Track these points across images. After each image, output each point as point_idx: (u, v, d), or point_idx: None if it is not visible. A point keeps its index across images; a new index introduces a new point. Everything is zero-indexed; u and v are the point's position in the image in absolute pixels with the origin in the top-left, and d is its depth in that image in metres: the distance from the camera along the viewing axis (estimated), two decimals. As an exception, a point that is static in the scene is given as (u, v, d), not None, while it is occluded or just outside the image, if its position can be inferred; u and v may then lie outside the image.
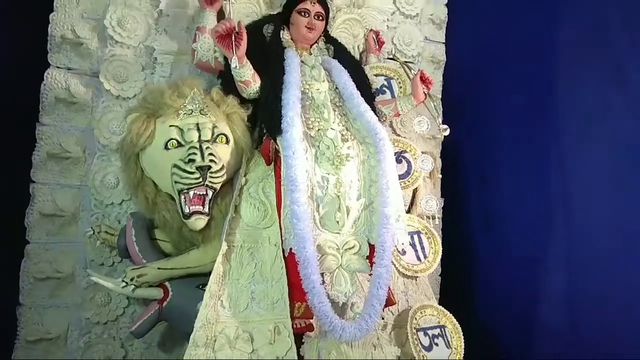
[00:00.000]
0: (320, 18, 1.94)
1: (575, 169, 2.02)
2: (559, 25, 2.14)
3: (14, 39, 1.95)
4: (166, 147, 1.63)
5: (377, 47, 2.28)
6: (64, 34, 1.90)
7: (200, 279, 1.70)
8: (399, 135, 2.28)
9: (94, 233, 1.84)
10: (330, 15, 2.05)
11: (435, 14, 2.54)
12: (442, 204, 2.32)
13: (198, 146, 1.62)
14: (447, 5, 2.55)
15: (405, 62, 2.14)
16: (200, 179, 1.59)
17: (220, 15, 1.92)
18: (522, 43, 2.32)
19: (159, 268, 1.68)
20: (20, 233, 1.86)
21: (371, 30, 2.29)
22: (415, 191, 2.21)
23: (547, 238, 2.10)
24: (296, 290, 1.61)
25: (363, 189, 1.77)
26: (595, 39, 1.98)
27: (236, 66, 1.68)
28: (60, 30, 1.91)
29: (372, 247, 1.71)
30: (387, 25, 2.42)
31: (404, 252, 2.04)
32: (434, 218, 2.20)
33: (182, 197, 1.61)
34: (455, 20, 2.59)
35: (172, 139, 1.63)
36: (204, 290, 1.59)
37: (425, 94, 1.95)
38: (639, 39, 1.83)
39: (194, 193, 1.60)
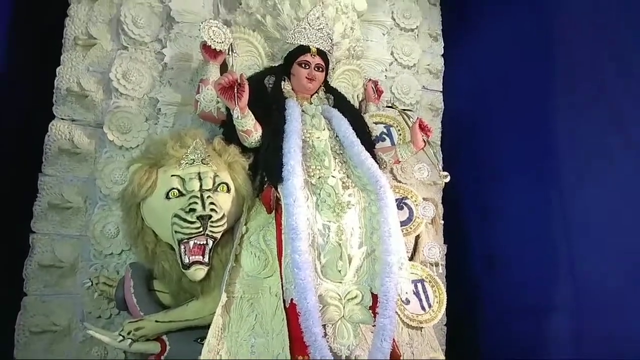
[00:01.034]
0: (320, 69, 1.99)
1: (578, 210, 2.01)
2: (555, 72, 2.18)
3: (20, 92, 2.00)
4: (167, 197, 1.63)
5: (376, 96, 2.33)
6: (70, 87, 1.95)
7: (198, 332, 1.65)
8: (399, 182, 2.28)
9: (92, 284, 1.81)
10: (330, 66, 2.11)
11: (432, 64, 2.62)
12: (445, 250, 2.30)
13: (199, 195, 1.62)
14: (443, 55, 2.63)
15: (404, 110, 2.18)
16: (201, 229, 1.58)
17: (223, 68, 1.97)
18: (519, 89, 2.36)
19: (156, 321, 1.64)
20: (17, 285, 1.83)
21: (370, 79, 2.35)
22: (417, 238, 2.19)
23: (552, 282, 2.06)
24: (297, 343, 1.55)
25: (365, 237, 1.76)
26: (592, 84, 2.02)
27: (238, 116, 1.71)
28: (66, 83, 1.95)
29: (375, 297, 1.67)
30: (385, 75, 2.49)
31: (407, 302, 2.00)
32: (437, 265, 2.17)
33: (182, 247, 1.59)
34: (451, 69, 2.67)
35: (173, 188, 1.63)
36: (203, 344, 1.55)
37: (424, 141, 1.97)
38: (633, 84, 1.87)
39: (194, 243, 1.59)
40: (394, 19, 2.56)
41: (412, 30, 2.60)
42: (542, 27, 2.26)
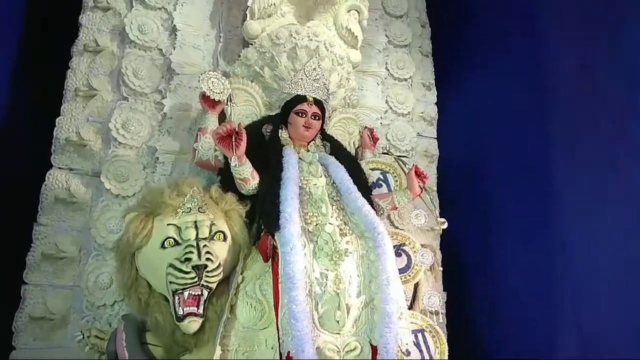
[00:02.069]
0: (317, 118, 2.03)
1: (580, 257, 1.99)
2: (550, 119, 2.22)
3: (19, 142, 2.01)
4: (163, 246, 1.61)
5: (372, 142, 2.36)
6: (69, 137, 1.96)
7: (192, 387, 1.59)
8: (397, 228, 2.28)
9: (83, 337, 1.75)
10: (327, 114, 2.15)
11: (425, 111, 2.68)
12: (445, 298, 2.25)
13: (195, 244, 1.60)
14: (436, 103, 2.69)
15: (399, 156, 2.20)
16: (196, 279, 1.55)
17: (222, 117, 2.00)
18: (514, 135, 2.40)
19: (148, 376, 1.58)
20: (5, 339, 1.77)
21: (366, 127, 2.39)
22: (416, 286, 2.16)
23: (555, 330, 2.02)
24: (295, 399, 1.50)
25: (363, 286, 1.73)
26: (587, 131, 2.05)
27: (236, 165, 1.72)
28: (65, 132, 1.97)
29: (374, 349, 1.62)
30: (380, 123, 2.54)
31: (408, 353, 1.92)
32: (437, 314, 2.12)
33: (177, 297, 1.55)
34: (446, 116, 2.72)
35: (169, 237, 1.61)
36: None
37: (420, 187, 1.98)
38: (628, 131, 1.91)
39: (189, 294, 1.55)
40: (388, 70, 2.65)
41: (406, 80, 2.68)
42: (535, 75, 2.33)
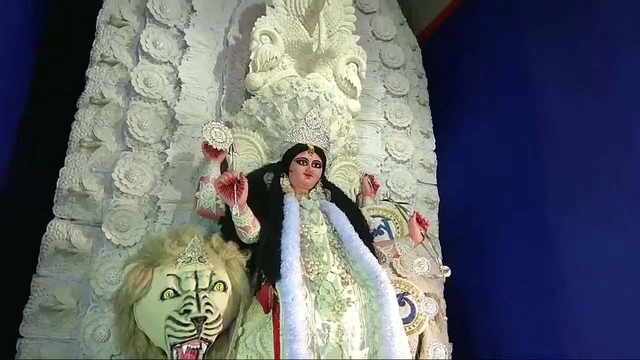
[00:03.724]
0: (318, 166, 2.05)
1: (580, 303, 1.97)
2: (547, 164, 2.25)
3: (21, 193, 2.02)
4: (162, 298, 1.58)
5: (373, 189, 2.37)
6: (72, 187, 1.97)
7: None
8: (399, 276, 2.25)
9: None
10: (327, 162, 2.17)
11: (425, 159, 2.71)
12: (451, 349, 2.19)
13: (195, 295, 1.57)
14: (435, 151, 2.73)
15: (400, 203, 2.21)
16: (195, 332, 1.51)
17: (223, 166, 2.02)
18: (513, 180, 2.42)
19: None
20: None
21: (366, 174, 2.41)
22: (421, 337, 2.10)
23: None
24: None
25: (366, 337, 1.69)
26: (582, 176, 2.07)
27: (237, 213, 1.72)
28: (68, 183, 1.98)
29: (379, 404, 1.56)
30: (380, 170, 2.56)
31: (415, 408, 1.87)
32: (443, 366, 2.06)
33: (175, 351, 1.51)
34: (445, 163, 2.76)
35: (168, 288, 1.59)
36: None
37: (422, 234, 1.97)
38: (624, 174, 1.92)
39: (188, 347, 1.51)
40: (387, 118, 2.71)
41: (404, 128, 2.73)
42: (530, 121, 2.37)
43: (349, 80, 2.36)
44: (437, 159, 2.74)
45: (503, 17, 2.66)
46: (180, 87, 2.23)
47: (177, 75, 2.25)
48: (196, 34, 2.35)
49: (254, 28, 2.26)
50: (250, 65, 2.23)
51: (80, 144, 2.04)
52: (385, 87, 2.79)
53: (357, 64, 2.43)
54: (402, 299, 2.07)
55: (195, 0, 2.40)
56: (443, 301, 2.27)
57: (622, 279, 1.82)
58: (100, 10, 2.25)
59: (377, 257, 1.87)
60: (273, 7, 2.32)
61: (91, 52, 2.18)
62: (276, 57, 2.23)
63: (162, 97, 2.20)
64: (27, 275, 1.87)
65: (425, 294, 2.15)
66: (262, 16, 2.29)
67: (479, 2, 2.88)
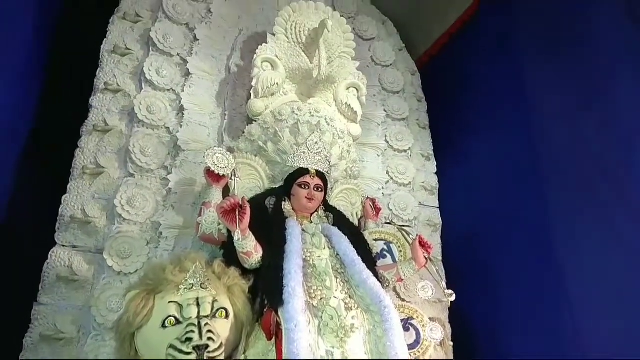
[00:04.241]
0: (319, 189, 2.05)
1: (589, 327, 1.94)
2: (549, 184, 2.25)
3: (23, 220, 2.02)
4: (163, 326, 1.56)
5: (375, 213, 2.37)
6: (74, 214, 1.97)
7: None
8: (403, 300, 2.22)
9: None
10: (329, 186, 2.18)
11: (426, 181, 2.72)
12: (458, 376, 2.15)
13: (196, 323, 1.56)
14: (436, 173, 2.74)
15: (402, 226, 2.20)
16: (197, 360, 1.49)
17: (225, 191, 2.03)
18: (515, 202, 2.41)
19: None
20: None
21: (368, 197, 2.41)
22: (427, 363, 2.06)
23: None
24: None
25: (371, 364, 1.66)
26: (586, 195, 2.07)
27: (239, 238, 1.71)
28: (70, 210, 1.98)
29: None
30: (382, 193, 2.57)
31: None
32: (451, 393, 2.01)
33: (177, 380, 1.49)
34: (446, 185, 2.76)
35: (170, 316, 1.57)
36: None
37: (426, 258, 1.96)
38: (626, 195, 1.92)
39: (190, 376, 1.49)
40: (387, 142, 2.73)
41: (405, 151, 2.75)
42: (530, 143, 2.38)
43: (350, 104, 2.38)
44: (438, 181, 2.75)
45: (500, 40, 2.70)
46: (183, 114, 2.26)
47: (179, 102, 2.28)
48: (199, 62, 2.39)
49: (255, 55, 2.30)
50: (251, 92, 2.27)
51: (83, 171, 2.06)
52: (385, 111, 2.82)
53: (357, 89, 2.46)
54: (406, 324, 2.04)
55: (198, 30, 2.46)
56: (448, 326, 2.24)
57: (627, 295, 1.79)
58: (105, 39, 2.30)
59: (380, 282, 1.85)
60: (274, 35, 2.37)
61: (95, 81, 2.22)
62: (277, 83, 2.27)
63: (165, 123, 2.22)
64: (28, 304, 1.86)
65: (430, 318, 2.12)
66: (264, 44, 2.34)
67: (475, 27, 2.93)
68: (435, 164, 2.80)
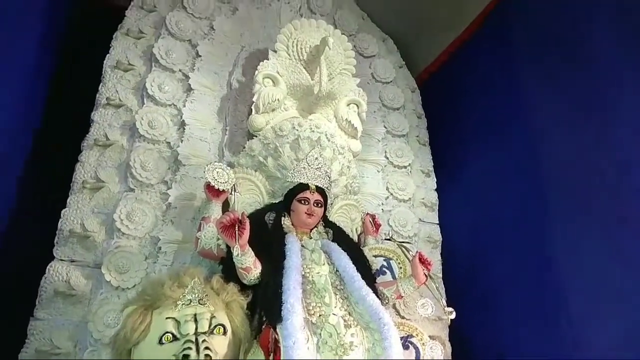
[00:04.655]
0: (319, 205, 2.05)
1: (590, 342, 1.92)
2: (549, 201, 2.24)
3: (21, 234, 2.01)
4: (160, 342, 1.54)
5: (374, 229, 2.36)
6: (73, 228, 1.97)
7: None
8: (403, 318, 2.20)
9: None
10: (329, 202, 2.18)
11: (426, 197, 2.72)
12: (459, 396, 2.12)
13: (194, 339, 1.54)
14: (436, 190, 2.74)
15: (402, 242, 2.19)
16: (194, 377, 1.47)
17: (225, 206, 2.03)
18: (514, 218, 2.41)
19: None
20: None
21: (368, 213, 2.41)
22: (426, 382, 2.04)
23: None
24: None
25: (370, 382, 1.64)
26: (586, 212, 2.07)
27: (238, 254, 1.71)
28: (70, 224, 1.98)
29: None
30: (382, 209, 2.56)
31: None
32: (451, 413, 1.98)
33: (174, 398, 1.47)
34: (446, 201, 2.76)
35: (167, 332, 1.55)
36: None
37: (426, 275, 1.94)
38: (627, 213, 1.91)
39: (187, 393, 1.47)
40: (387, 158, 2.73)
41: (405, 167, 2.75)
42: (529, 160, 2.39)
43: (350, 120, 2.40)
44: (438, 198, 2.75)
45: (499, 57, 2.73)
46: (184, 129, 2.27)
47: (181, 117, 2.29)
48: (201, 78, 2.41)
49: (256, 71, 2.32)
50: (252, 107, 2.28)
51: (83, 185, 2.06)
52: (385, 127, 2.83)
53: (357, 105, 2.48)
54: (406, 342, 2.02)
55: (200, 46, 2.48)
56: (448, 344, 2.22)
57: (628, 310, 1.78)
58: (107, 55, 2.32)
59: (380, 299, 1.84)
60: (275, 51, 2.40)
61: (97, 96, 2.24)
62: (278, 99, 2.28)
63: (166, 138, 2.23)
64: (24, 319, 1.84)
65: (429, 336, 2.10)
66: (265, 60, 2.36)
67: (475, 45, 2.96)
68: (435, 180, 2.80)
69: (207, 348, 1.53)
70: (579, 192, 2.13)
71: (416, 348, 2.03)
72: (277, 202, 2.14)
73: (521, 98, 2.53)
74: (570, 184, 2.17)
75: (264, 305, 1.75)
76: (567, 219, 2.15)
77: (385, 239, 2.37)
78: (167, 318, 1.58)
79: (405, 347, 1.98)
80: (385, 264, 2.28)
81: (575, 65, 2.29)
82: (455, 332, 2.27)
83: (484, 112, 2.78)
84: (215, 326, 1.62)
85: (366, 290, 1.80)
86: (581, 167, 2.15)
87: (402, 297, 2.02)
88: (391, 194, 2.63)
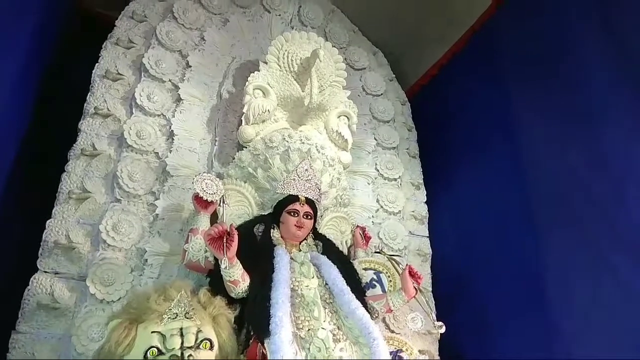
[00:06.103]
0: (309, 217, 2.04)
1: (580, 355, 1.92)
2: (539, 214, 2.25)
3: (5, 245, 1.97)
4: (145, 356, 1.51)
5: (364, 241, 2.35)
6: (58, 239, 1.92)
7: None
8: (393, 332, 2.19)
9: None
10: (318, 214, 2.17)
11: (416, 210, 2.72)
12: (447, 409, 2.10)
13: (179, 354, 1.50)
14: (426, 202, 2.74)
15: (391, 255, 2.18)
16: (179, 393, 1.44)
17: (213, 218, 2.01)
18: (503, 231, 2.42)
19: None
20: None
21: (358, 226, 2.40)
22: (416, 397, 2.02)
23: None
24: None
25: (359, 398, 1.61)
26: (574, 226, 2.08)
27: (226, 267, 1.68)
28: (54, 235, 1.93)
29: None
30: (372, 222, 2.56)
31: None
32: None
33: (158, 415, 1.43)
34: (436, 214, 2.76)
35: (152, 346, 1.52)
36: None
37: (416, 288, 1.93)
38: (615, 226, 1.92)
39: (172, 410, 1.43)
40: (378, 170, 2.74)
41: (395, 179, 2.76)
42: (518, 173, 2.41)
43: (340, 132, 2.40)
44: (428, 210, 2.75)
45: (489, 72, 2.76)
46: (173, 139, 2.25)
47: (169, 127, 2.27)
48: (190, 88, 2.40)
49: (247, 82, 2.31)
50: (242, 118, 2.27)
51: (69, 196, 2.02)
52: (375, 139, 2.84)
53: (348, 117, 2.49)
54: (395, 357, 2.00)
55: (190, 57, 2.47)
56: (438, 358, 2.20)
57: (621, 332, 1.78)
58: (97, 64, 2.30)
59: (369, 312, 1.82)
60: (266, 63, 2.40)
61: (85, 105, 2.21)
62: (268, 110, 2.28)
63: (154, 148, 2.21)
64: (6, 332, 1.79)
65: (419, 351, 2.09)
66: (256, 72, 2.36)
67: (465, 59, 3.00)
68: (425, 193, 2.81)
69: (193, 363, 1.50)
70: (566, 205, 2.14)
71: (406, 362, 2.02)
72: (266, 213, 2.12)
73: (510, 112, 2.55)
74: (558, 197, 2.19)
75: (252, 319, 1.72)
76: (556, 232, 2.16)
77: (375, 252, 2.36)
78: (152, 332, 1.55)
79: (395, 362, 1.96)
80: (375, 277, 2.27)
81: (562, 80, 2.32)
82: (445, 346, 2.25)
83: (473, 125, 2.80)
84: (202, 340, 1.59)
85: (355, 303, 1.78)
86: (568, 180, 2.17)
87: (391, 310, 2.01)
88: (381, 206, 2.63)
